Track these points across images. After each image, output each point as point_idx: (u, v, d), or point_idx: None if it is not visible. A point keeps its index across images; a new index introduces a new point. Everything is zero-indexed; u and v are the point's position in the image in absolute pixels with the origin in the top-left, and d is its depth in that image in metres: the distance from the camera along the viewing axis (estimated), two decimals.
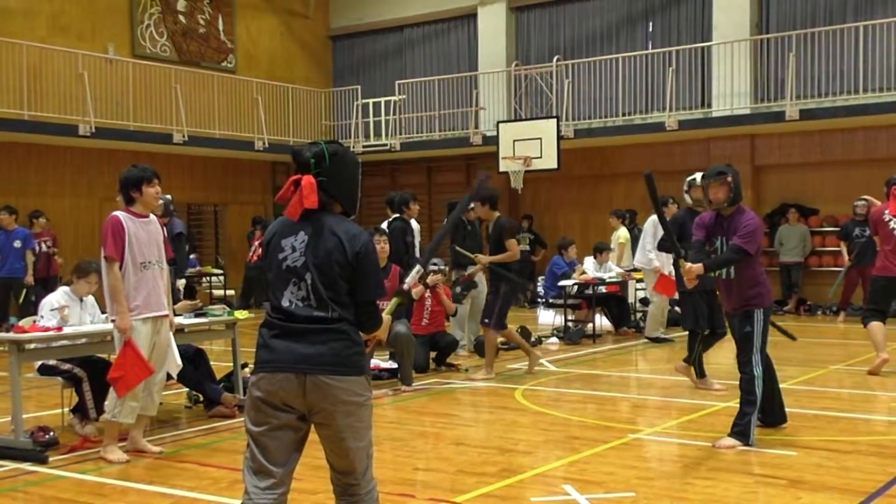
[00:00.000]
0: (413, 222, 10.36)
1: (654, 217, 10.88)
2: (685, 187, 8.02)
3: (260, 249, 13.94)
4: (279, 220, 3.22)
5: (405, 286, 3.75)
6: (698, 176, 7.64)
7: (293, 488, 4.87)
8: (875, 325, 8.46)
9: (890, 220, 8.40)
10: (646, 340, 10.98)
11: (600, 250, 12.11)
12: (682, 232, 7.71)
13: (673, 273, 9.43)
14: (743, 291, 5.64)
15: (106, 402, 5.61)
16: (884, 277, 8.48)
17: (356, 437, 3.12)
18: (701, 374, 7.69)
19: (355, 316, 3.13)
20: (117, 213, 5.57)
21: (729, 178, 5.64)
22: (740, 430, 5.58)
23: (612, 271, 11.88)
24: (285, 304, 3.08)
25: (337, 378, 3.05)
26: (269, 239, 3.20)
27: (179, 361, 6.08)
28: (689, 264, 5.57)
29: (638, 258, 11.17)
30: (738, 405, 5.66)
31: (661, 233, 10.81)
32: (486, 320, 8.51)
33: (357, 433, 3.11)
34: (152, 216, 5.72)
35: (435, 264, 9.56)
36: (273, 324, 3.10)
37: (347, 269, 3.08)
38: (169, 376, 7.85)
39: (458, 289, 9.71)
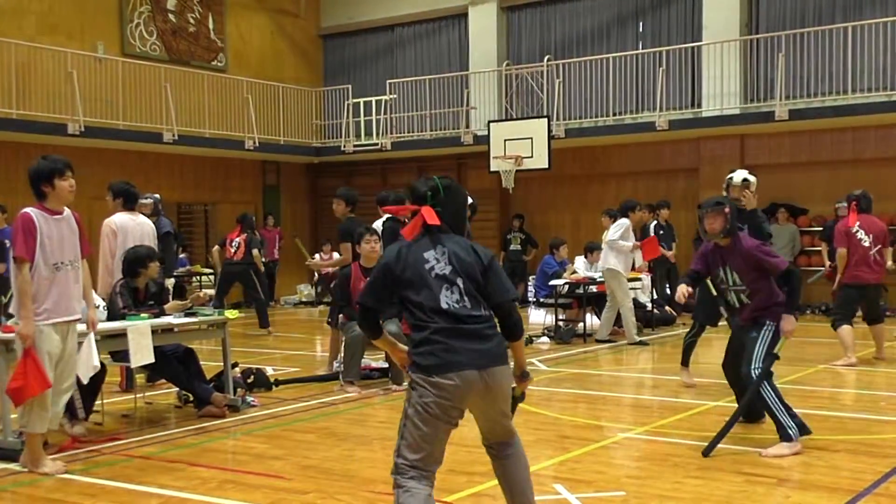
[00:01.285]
0: None
1: (624, 220, 10.99)
2: (724, 185, 7.87)
3: (243, 246, 13.34)
4: (398, 244, 3.66)
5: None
6: (735, 175, 7.71)
7: (283, 488, 4.90)
8: (845, 329, 8.94)
9: (857, 231, 8.99)
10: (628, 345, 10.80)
11: (591, 250, 12.12)
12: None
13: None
14: (758, 305, 5.66)
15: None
16: (854, 286, 8.99)
17: (511, 409, 3.74)
18: (685, 362, 7.88)
19: (500, 320, 3.64)
20: (29, 209, 5.19)
21: (726, 210, 5.66)
22: (781, 434, 5.48)
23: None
24: (444, 306, 3.50)
25: (506, 367, 3.57)
26: (396, 256, 3.59)
27: (97, 363, 5.64)
28: (787, 324, 5.54)
29: (606, 261, 10.90)
30: (726, 404, 5.65)
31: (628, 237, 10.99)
32: (330, 320, 8.62)
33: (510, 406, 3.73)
34: (67, 211, 5.33)
35: None
36: (441, 327, 3.47)
37: (483, 275, 3.59)
38: (152, 379, 7.89)
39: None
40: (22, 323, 5.08)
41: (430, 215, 3.59)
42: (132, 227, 7.62)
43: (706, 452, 5.37)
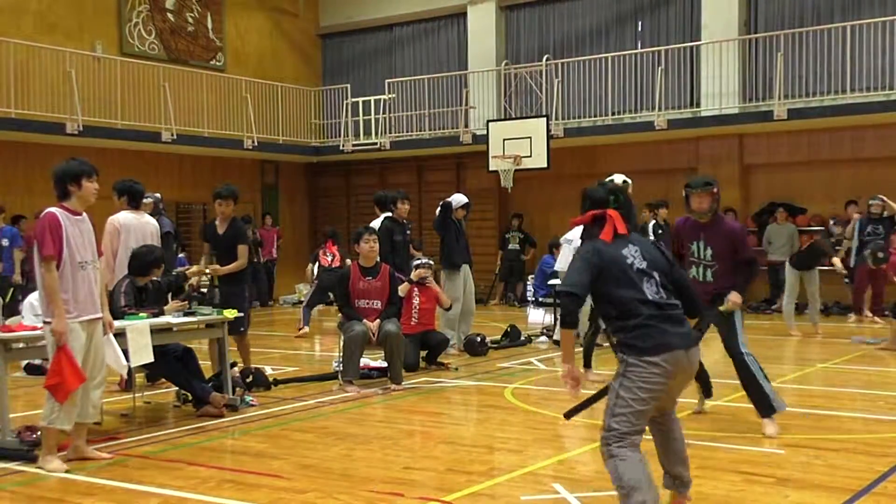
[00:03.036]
0: None
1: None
2: None
3: (338, 256, 13.43)
4: (594, 243, 3.99)
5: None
6: (616, 177, 8.07)
7: (282, 487, 4.90)
8: None
9: None
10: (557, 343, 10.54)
11: (555, 245, 12.08)
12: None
13: None
14: (724, 284, 5.95)
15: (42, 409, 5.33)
16: None
17: None
18: (588, 364, 8.27)
19: (686, 302, 4.07)
20: (53, 209, 5.33)
21: (715, 190, 5.98)
22: (763, 405, 5.81)
23: None
24: (650, 296, 3.89)
25: (698, 348, 4.00)
26: (595, 251, 3.93)
27: (125, 361, 5.83)
28: (736, 297, 5.86)
29: (566, 261, 10.35)
30: (724, 403, 5.67)
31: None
32: (243, 328, 8.03)
33: None
34: (84, 214, 5.48)
35: (419, 260, 9.55)
36: (651, 314, 3.85)
37: (670, 267, 4.04)
38: (153, 378, 7.89)
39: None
40: (55, 320, 5.17)
41: (619, 220, 4.01)
42: (135, 226, 7.66)
43: (568, 416, 5.64)
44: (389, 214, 9.87)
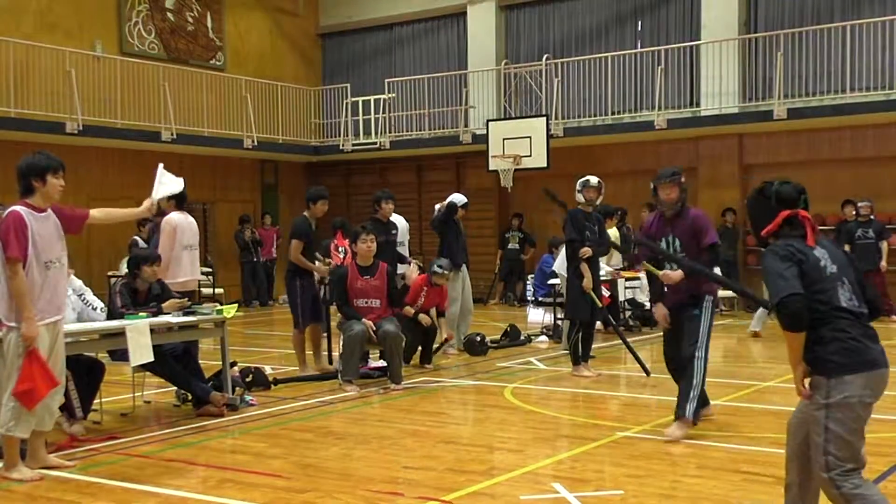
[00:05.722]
0: (402, 220, 10.34)
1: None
2: (578, 187, 8.45)
3: (350, 251, 13.45)
4: (794, 241, 3.66)
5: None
6: (592, 178, 8.39)
7: (281, 487, 4.90)
8: None
9: None
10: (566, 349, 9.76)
11: (555, 245, 12.06)
12: (576, 227, 8.35)
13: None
14: (695, 282, 5.95)
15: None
16: None
17: None
18: (577, 361, 8.36)
19: (872, 312, 3.71)
20: (17, 207, 5.10)
21: (682, 180, 6.10)
22: (681, 412, 5.82)
23: (601, 270, 11.84)
24: (844, 304, 3.56)
25: None
26: (803, 259, 3.61)
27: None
28: (667, 272, 5.94)
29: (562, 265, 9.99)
30: (725, 403, 5.68)
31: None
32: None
33: None
34: (49, 210, 5.24)
35: (440, 266, 9.42)
36: (852, 324, 3.55)
37: (856, 273, 3.70)
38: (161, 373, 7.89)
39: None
40: (25, 324, 4.98)
41: (811, 220, 3.77)
42: (185, 225, 8.06)
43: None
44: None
